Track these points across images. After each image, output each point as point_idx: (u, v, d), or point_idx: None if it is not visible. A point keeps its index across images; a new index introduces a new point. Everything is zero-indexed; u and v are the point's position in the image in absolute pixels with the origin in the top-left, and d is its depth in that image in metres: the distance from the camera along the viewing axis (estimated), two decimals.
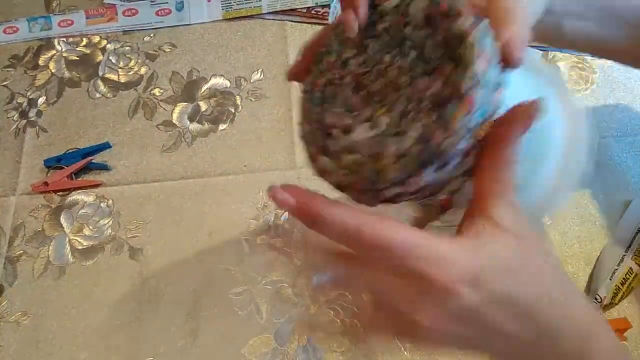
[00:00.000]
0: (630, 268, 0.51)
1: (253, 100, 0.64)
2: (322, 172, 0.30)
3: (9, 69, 0.69)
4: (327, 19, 0.64)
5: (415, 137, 0.26)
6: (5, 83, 0.68)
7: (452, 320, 0.27)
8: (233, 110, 0.64)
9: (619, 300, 0.50)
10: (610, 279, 0.51)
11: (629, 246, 0.53)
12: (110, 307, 0.54)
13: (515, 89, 0.27)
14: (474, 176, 0.28)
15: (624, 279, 0.51)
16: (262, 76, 0.66)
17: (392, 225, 0.26)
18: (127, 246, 0.57)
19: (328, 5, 0.68)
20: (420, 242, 0.26)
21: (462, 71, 0.25)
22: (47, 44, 0.70)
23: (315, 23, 0.68)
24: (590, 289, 0.52)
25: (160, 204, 0.59)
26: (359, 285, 0.31)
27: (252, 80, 0.66)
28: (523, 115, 0.27)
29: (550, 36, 0.44)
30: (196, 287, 0.54)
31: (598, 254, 0.53)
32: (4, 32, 0.71)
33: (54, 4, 0.73)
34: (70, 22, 0.71)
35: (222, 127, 0.63)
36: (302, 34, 0.68)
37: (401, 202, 0.29)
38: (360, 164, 0.27)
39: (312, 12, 0.69)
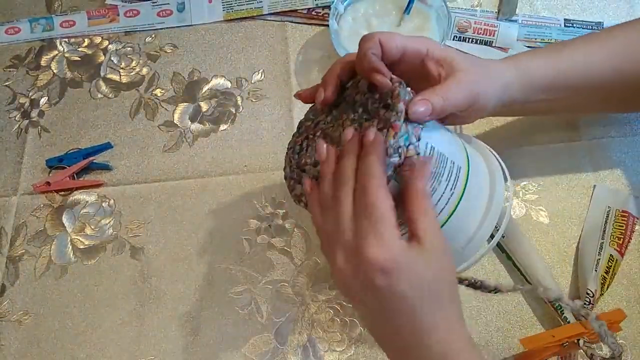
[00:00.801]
0: (611, 255, 0.51)
1: (254, 100, 0.65)
2: (298, 198, 0.42)
3: (11, 70, 0.69)
4: (328, 20, 0.64)
5: None
6: (7, 83, 0.68)
7: (357, 282, 0.35)
8: (234, 111, 0.64)
9: (607, 289, 0.50)
10: (596, 270, 0.51)
11: (604, 232, 0.53)
12: (112, 306, 0.54)
13: (437, 137, 0.39)
14: (403, 203, 0.36)
15: (607, 267, 0.51)
16: (262, 77, 0.66)
17: (387, 202, 0.34)
18: (128, 246, 0.57)
19: (328, 7, 0.69)
20: (385, 224, 0.34)
21: (390, 111, 0.37)
22: (49, 44, 0.71)
23: (315, 24, 0.69)
24: (579, 286, 0.51)
25: (161, 204, 0.59)
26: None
27: (253, 81, 0.66)
28: (419, 163, 0.37)
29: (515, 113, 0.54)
30: (197, 287, 0.55)
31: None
32: (6, 32, 0.72)
33: (55, 5, 0.73)
34: (72, 22, 0.72)
35: (223, 127, 0.63)
36: (302, 35, 0.68)
37: None
38: None
39: (313, 13, 0.69)
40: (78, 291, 0.55)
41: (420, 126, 0.38)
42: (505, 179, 0.43)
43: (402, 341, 0.36)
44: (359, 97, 0.41)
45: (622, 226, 0.53)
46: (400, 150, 0.36)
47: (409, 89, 0.38)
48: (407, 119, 0.37)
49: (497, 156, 0.45)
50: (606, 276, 0.50)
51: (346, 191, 0.36)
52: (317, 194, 0.39)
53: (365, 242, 0.34)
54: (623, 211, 0.53)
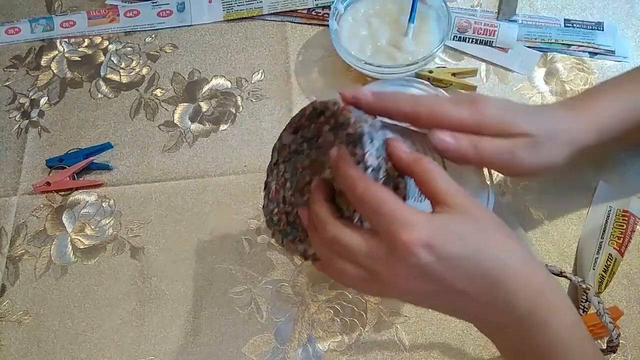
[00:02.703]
0: (610, 254, 0.51)
1: (254, 100, 0.65)
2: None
3: (11, 70, 0.69)
4: (328, 20, 0.64)
5: None
6: (7, 83, 0.68)
7: (413, 276, 0.33)
8: (234, 111, 0.64)
9: (604, 288, 0.50)
10: (594, 269, 0.51)
11: (604, 231, 0.53)
12: (112, 307, 0.54)
13: None
14: (425, 181, 0.35)
15: (605, 266, 0.51)
16: (262, 77, 0.66)
17: (386, 192, 0.34)
18: (128, 246, 0.57)
19: (328, 7, 0.69)
20: (399, 210, 0.33)
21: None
22: (49, 44, 0.71)
23: (315, 24, 0.69)
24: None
25: (161, 204, 0.59)
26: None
27: (253, 81, 0.66)
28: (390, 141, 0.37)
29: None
30: (197, 287, 0.55)
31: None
32: (6, 32, 0.72)
33: (55, 5, 0.73)
34: (72, 22, 0.72)
35: (223, 127, 0.63)
36: (302, 35, 0.68)
37: None
38: None
39: (313, 13, 0.69)
40: (78, 291, 0.55)
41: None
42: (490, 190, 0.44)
43: (483, 304, 0.34)
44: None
45: (623, 226, 0.53)
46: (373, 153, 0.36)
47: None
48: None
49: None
50: (604, 275, 0.50)
51: (332, 228, 0.35)
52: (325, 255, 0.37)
53: (396, 236, 0.32)
54: (624, 211, 0.53)
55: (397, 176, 0.37)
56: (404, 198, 0.37)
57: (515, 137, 0.40)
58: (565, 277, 0.41)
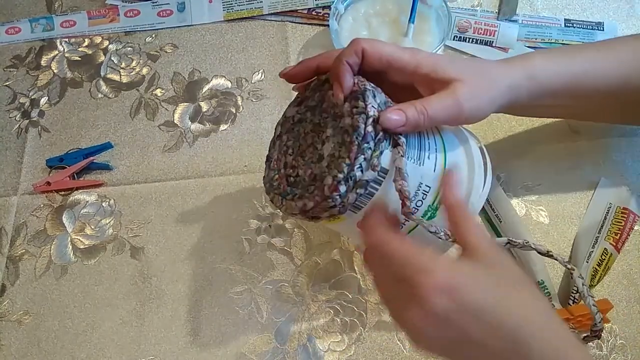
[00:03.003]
0: (605, 249, 0.51)
1: (254, 100, 0.65)
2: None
3: (11, 69, 0.69)
4: (328, 20, 0.64)
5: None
6: (7, 83, 0.68)
7: (429, 321, 0.32)
8: (234, 111, 0.64)
9: (597, 282, 0.50)
10: (587, 262, 0.51)
11: (601, 227, 0.53)
12: (112, 306, 0.54)
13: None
14: (460, 226, 0.36)
15: (600, 260, 0.51)
16: (263, 77, 0.66)
17: (400, 240, 0.34)
18: (128, 245, 0.57)
19: (328, 7, 0.69)
20: (415, 255, 0.33)
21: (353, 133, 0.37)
22: (49, 44, 0.71)
23: (316, 24, 0.69)
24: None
25: (161, 204, 0.59)
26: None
27: (253, 81, 0.66)
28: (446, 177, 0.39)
29: (517, 113, 0.53)
30: (197, 287, 0.55)
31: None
32: (6, 32, 0.72)
33: (56, 5, 0.73)
34: (72, 22, 0.72)
35: (223, 127, 0.63)
36: (303, 35, 0.68)
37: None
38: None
39: (313, 13, 0.69)
40: (78, 291, 0.55)
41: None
42: (484, 158, 0.44)
43: (502, 359, 0.33)
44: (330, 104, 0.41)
45: (621, 222, 0.53)
46: (363, 167, 0.37)
47: (377, 99, 0.38)
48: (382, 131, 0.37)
49: (475, 137, 0.45)
50: (598, 268, 0.50)
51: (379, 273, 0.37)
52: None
53: (414, 281, 0.32)
54: (624, 208, 0.54)
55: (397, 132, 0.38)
56: (404, 154, 0.37)
57: (450, 85, 0.40)
58: (552, 257, 0.41)
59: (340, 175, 0.36)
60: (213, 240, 0.57)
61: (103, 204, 0.60)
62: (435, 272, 0.32)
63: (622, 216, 0.53)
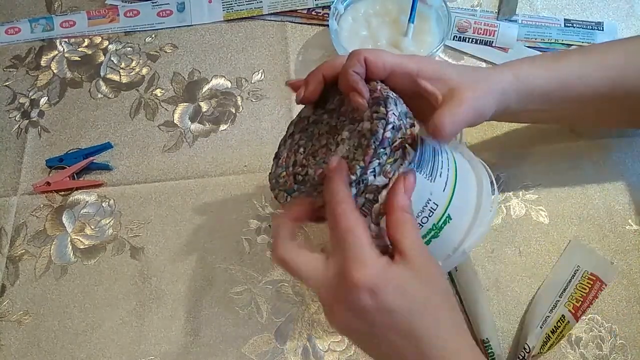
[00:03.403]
0: (563, 315, 0.49)
1: (254, 100, 0.65)
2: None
3: (11, 70, 0.69)
4: (328, 20, 0.64)
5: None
6: (7, 83, 0.68)
7: (347, 310, 0.34)
8: (234, 111, 0.64)
9: (548, 350, 0.48)
10: (541, 327, 0.49)
11: (564, 290, 0.51)
12: (112, 307, 0.54)
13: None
14: (396, 229, 0.36)
15: (555, 327, 0.48)
16: (262, 77, 0.66)
17: (360, 225, 0.34)
18: (128, 246, 0.57)
19: (328, 7, 0.69)
20: (361, 246, 0.34)
21: (370, 135, 0.37)
22: (49, 44, 0.71)
23: (315, 24, 0.69)
24: (521, 334, 0.50)
25: (161, 204, 0.59)
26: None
27: (252, 81, 0.66)
28: (398, 179, 0.37)
29: (508, 120, 0.52)
30: (197, 287, 0.55)
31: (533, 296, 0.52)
32: (6, 32, 0.72)
33: (55, 5, 0.73)
34: (72, 22, 0.72)
35: (223, 127, 0.63)
36: (302, 35, 0.68)
37: None
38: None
39: (313, 13, 0.69)
40: (78, 291, 0.55)
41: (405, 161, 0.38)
42: (493, 192, 0.43)
43: (403, 358, 0.35)
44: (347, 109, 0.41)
45: (586, 289, 0.50)
46: (376, 171, 0.36)
47: (398, 107, 0.38)
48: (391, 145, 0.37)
49: (487, 168, 0.45)
50: (551, 336, 0.48)
51: (282, 251, 0.37)
52: None
53: (347, 269, 0.33)
54: (592, 274, 0.51)
55: (411, 144, 0.38)
56: (410, 163, 0.37)
57: (456, 92, 0.41)
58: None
59: (352, 177, 0.36)
60: (213, 240, 0.57)
61: (103, 204, 0.60)
62: (370, 268, 0.33)
63: (588, 282, 0.50)
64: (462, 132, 0.57)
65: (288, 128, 0.47)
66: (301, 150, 0.44)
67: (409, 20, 0.61)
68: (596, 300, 0.50)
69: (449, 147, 0.43)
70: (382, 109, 0.37)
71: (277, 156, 0.46)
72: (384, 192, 0.37)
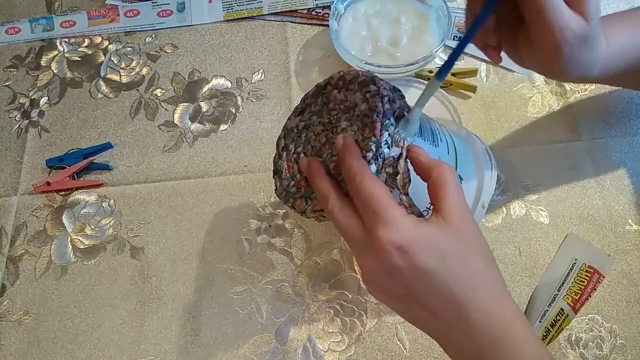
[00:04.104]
0: (562, 309, 0.49)
1: (254, 100, 0.65)
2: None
3: (11, 70, 0.69)
4: (328, 20, 0.64)
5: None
6: (7, 83, 0.68)
7: (381, 273, 0.33)
8: (234, 111, 0.64)
9: (548, 343, 0.48)
10: (540, 321, 0.49)
11: (562, 284, 0.51)
12: (112, 307, 0.54)
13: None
14: (437, 189, 0.35)
15: (554, 320, 0.49)
16: (263, 77, 0.66)
17: (382, 189, 0.34)
18: (128, 246, 0.57)
19: (328, 7, 0.69)
20: (387, 207, 0.33)
21: (371, 112, 0.38)
22: (49, 44, 0.71)
23: (315, 24, 0.69)
24: None
25: (161, 204, 0.59)
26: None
27: (253, 81, 0.66)
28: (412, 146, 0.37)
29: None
30: (197, 287, 0.55)
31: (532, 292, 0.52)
32: (6, 32, 0.72)
33: (56, 5, 0.73)
34: (72, 22, 0.72)
35: (223, 127, 0.63)
36: (302, 35, 0.68)
37: None
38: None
39: (313, 13, 0.69)
40: (78, 291, 0.55)
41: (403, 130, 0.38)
42: (487, 154, 0.45)
43: (444, 323, 0.34)
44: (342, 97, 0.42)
45: (584, 282, 0.51)
46: (389, 142, 0.37)
47: (383, 81, 0.40)
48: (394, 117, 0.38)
49: (484, 143, 0.46)
50: (551, 329, 0.49)
51: (332, 203, 0.36)
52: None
53: (374, 231, 0.33)
54: (589, 267, 0.51)
55: (407, 112, 0.39)
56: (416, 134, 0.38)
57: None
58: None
59: (370, 154, 0.36)
60: (213, 240, 0.57)
61: (103, 204, 0.60)
62: (397, 228, 0.32)
63: (586, 275, 0.51)
64: (460, 116, 0.58)
65: (277, 144, 0.46)
66: (302, 155, 0.44)
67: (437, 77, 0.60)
68: (594, 292, 0.50)
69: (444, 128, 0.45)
70: (373, 87, 0.39)
71: (276, 172, 0.46)
72: (402, 162, 0.37)
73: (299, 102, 0.46)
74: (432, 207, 0.35)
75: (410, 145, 0.37)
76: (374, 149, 0.36)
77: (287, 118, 0.47)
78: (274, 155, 0.46)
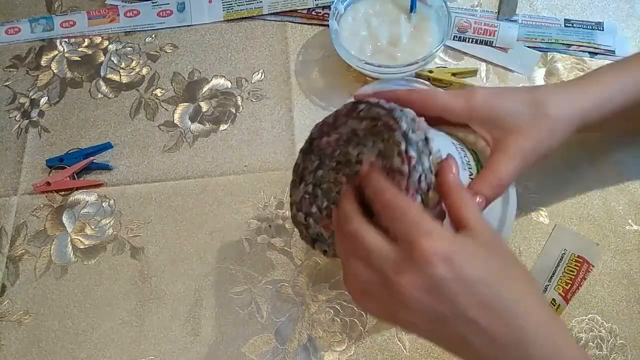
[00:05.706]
0: (553, 299, 0.50)
1: (254, 100, 0.65)
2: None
3: (11, 70, 0.69)
4: (328, 20, 0.64)
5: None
6: (7, 83, 0.68)
7: (424, 288, 0.31)
8: (234, 111, 0.64)
9: None
10: None
11: (553, 274, 0.51)
12: (112, 307, 0.54)
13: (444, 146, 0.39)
14: (443, 201, 0.36)
15: None
16: (263, 77, 0.66)
17: (414, 203, 0.34)
18: (128, 246, 0.57)
19: (328, 7, 0.69)
20: (425, 219, 0.32)
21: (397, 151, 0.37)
22: (49, 44, 0.71)
23: (315, 24, 0.69)
24: None
25: (161, 204, 0.59)
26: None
27: (253, 81, 0.66)
28: (443, 162, 0.36)
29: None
30: (197, 287, 0.55)
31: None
32: (6, 32, 0.72)
33: (55, 5, 0.73)
34: (72, 22, 0.72)
35: (223, 127, 0.63)
36: (302, 35, 0.68)
37: None
38: None
39: (313, 13, 0.69)
40: (78, 291, 0.55)
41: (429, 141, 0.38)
42: None
43: (492, 339, 0.31)
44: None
45: (574, 271, 0.51)
46: (423, 178, 0.36)
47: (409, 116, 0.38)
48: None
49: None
50: None
51: (355, 223, 0.35)
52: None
53: (417, 244, 0.31)
54: (579, 256, 0.52)
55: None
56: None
57: (511, 141, 0.40)
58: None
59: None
60: (213, 240, 0.57)
61: (103, 204, 0.60)
62: (438, 238, 0.31)
63: (575, 265, 0.51)
64: None
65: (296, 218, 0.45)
66: (324, 203, 0.42)
67: (410, 11, 0.62)
68: (585, 282, 0.51)
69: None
70: (395, 124, 0.37)
71: (317, 239, 0.44)
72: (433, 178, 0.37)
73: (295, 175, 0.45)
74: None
75: (447, 158, 0.37)
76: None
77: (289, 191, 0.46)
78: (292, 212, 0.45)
